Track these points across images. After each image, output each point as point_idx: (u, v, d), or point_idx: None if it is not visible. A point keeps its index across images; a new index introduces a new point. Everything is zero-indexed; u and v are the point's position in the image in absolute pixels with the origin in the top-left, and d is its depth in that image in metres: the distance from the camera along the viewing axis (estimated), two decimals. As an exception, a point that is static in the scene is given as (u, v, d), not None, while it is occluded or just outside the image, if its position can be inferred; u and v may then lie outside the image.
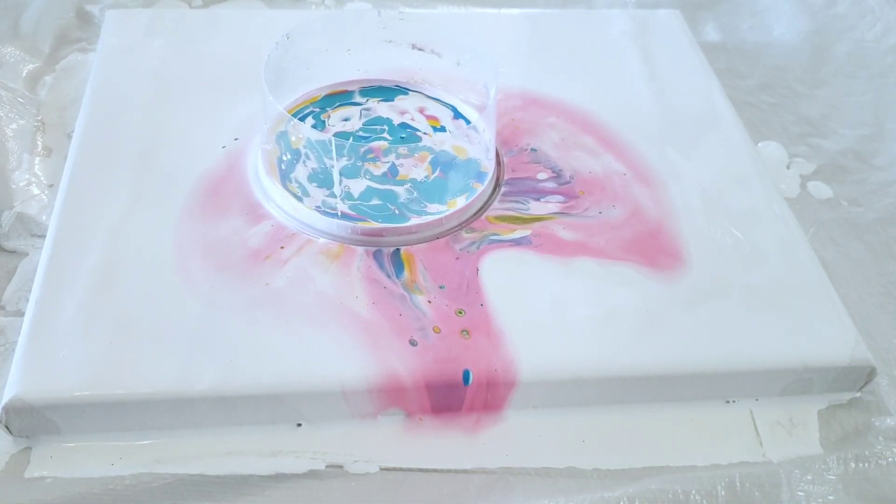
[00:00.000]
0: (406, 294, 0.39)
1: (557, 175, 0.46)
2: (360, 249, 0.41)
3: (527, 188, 0.45)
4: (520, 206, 0.44)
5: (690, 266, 0.42)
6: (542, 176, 0.46)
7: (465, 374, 0.37)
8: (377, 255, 0.41)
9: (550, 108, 0.50)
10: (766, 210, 0.45)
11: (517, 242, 0.42)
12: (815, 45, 0.62)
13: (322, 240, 0.41)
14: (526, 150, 0.47)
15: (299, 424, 0.36)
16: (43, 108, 0.50)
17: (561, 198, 0.45)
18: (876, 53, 0.61)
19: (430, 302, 0.39)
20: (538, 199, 0.44)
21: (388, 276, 0.40)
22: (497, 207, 0.44)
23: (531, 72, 0.53)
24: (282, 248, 0.41)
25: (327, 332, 0.37)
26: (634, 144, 0.48)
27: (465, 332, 0.38)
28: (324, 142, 0.42)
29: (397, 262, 0.40)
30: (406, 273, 0.40)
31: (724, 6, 0.65)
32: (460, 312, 0.38)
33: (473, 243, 0.42)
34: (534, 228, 0.43)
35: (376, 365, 0.36)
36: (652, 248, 0.42)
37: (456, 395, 0.37)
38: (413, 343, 0.37)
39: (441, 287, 0.39)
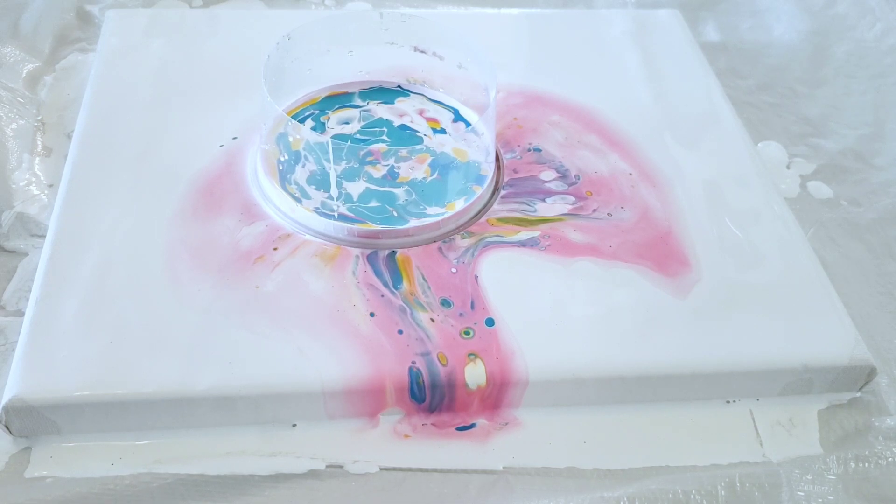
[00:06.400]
0: (406, 307, 0.38)
1: (563, 175, 0.46)
2: (355, 252, 0.41)
3: (531, 189, 0.45)
4: (526, 207, 0.44)
5: (692, 267, 0.42)
6: (546, 176, 0.46)
7: (471, 425, 0.37)
8: (372, 259, 0.40)
9: (553, 105, 0.50)
10: (766, 210, 0.45)
11: (523, 244, 0.42)
12: (815, 45, 0.62)
13: (310, 238, 0.41)
14: (529, 149, 0.47)
15: (294, 425, 0.36)
16: (43, 108, 0.50)
17: (571, 199, 0.44)
18: (876, 53, 0.61)
19: (433, 321, 0.38)
20: (544, 200, 0.44)
21: (385, 285, 0.39)
22: (500, 209, 0.44)
23: (532, 71, 0.53)
24: (275, 249, 0.40)
25: (325, 337, 0.37)
26: (637, 144, 0.48)
27: (472, 356, 0.37)
28: (322, 144, 0.42)
29: (393, 267, 0.40)
30: (405, 283, 0.39)
31: (724, 6, 0.65)
32: (467, 333, 0.38)
33: (468, 250, 0.41)
34: (542, 230, 0.43)
35: (375, 382, 0.36)
36: (663, 252, 0.42)
37: (457, 401, 0.37)
38: (418, 379, 0.36)
39: (443, 303, 0.39)
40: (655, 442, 0.37)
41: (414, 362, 0.36)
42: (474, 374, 0.36)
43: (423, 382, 0.36)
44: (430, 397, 0.36)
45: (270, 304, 0.38)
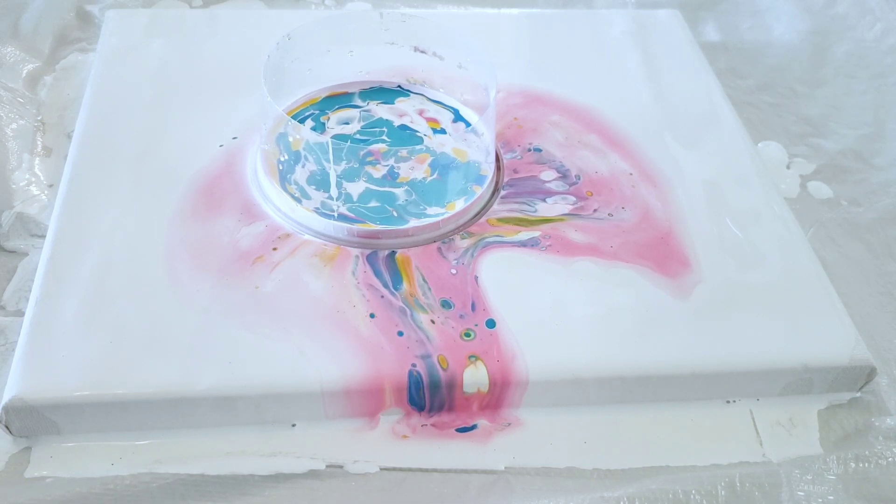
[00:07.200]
0: (406, 308, 0.38)
1: (564, 175, 0.46)
2: (354, 252, 0.40)
3: (532, 189, 0.45)
4: (526, 207, 0.44)
5: (693, 268, 0.42)
6: (547, 176, 0.46)
7: (472, 426, 0.37)
8: (372, 259, 0.40)
9: (553, 105, 0.50)
10: (766, 210, 0.45)
11: (523, 244, 0.42)
12: (815, 45, 0.62)
13: (310, 238, 0.41)
14: (529, 149, 0.47)
15: (293, 425, 0.36)
16: (43, 108, 0.50)
17: (572, 199, 0.44)
18: (876, 53, 0.61)
19: (433, 322, 0.38)
20: (545, 200, 0.44)
21: (385, 285, 0.39)
22: (500, 209, 0.44)
23: (532, 71, 0.53)
24: (275, 249, 0.40)
25: (325, 337, 0.37)
26: (637, 144, 0.48)
27: (473, 358, 0.37)
28: (322, 144, 0.42)
29: (393, 267, 0.40)
30: (405, 285, 0.39)
31: (724, 6, 0.65)
32: (467, 335, 0.38)
33: (468, 250, 0.41)
34: (542, 230, 0.42)
35: (375, 384, 0.36)
36: (663, 253, 0.42)
37: (457, 404, 0.37)
38: (418, 384, 0.36)
39: (443, 305, 0.38)
40: (655, 442, 0.37)
41: (414, 365, 0.36)
42: (475, 377, 0.36)
43: (423, 387, 0.36)
44: (430, 402, 0.36)
45: (270, 305, 0.38)
